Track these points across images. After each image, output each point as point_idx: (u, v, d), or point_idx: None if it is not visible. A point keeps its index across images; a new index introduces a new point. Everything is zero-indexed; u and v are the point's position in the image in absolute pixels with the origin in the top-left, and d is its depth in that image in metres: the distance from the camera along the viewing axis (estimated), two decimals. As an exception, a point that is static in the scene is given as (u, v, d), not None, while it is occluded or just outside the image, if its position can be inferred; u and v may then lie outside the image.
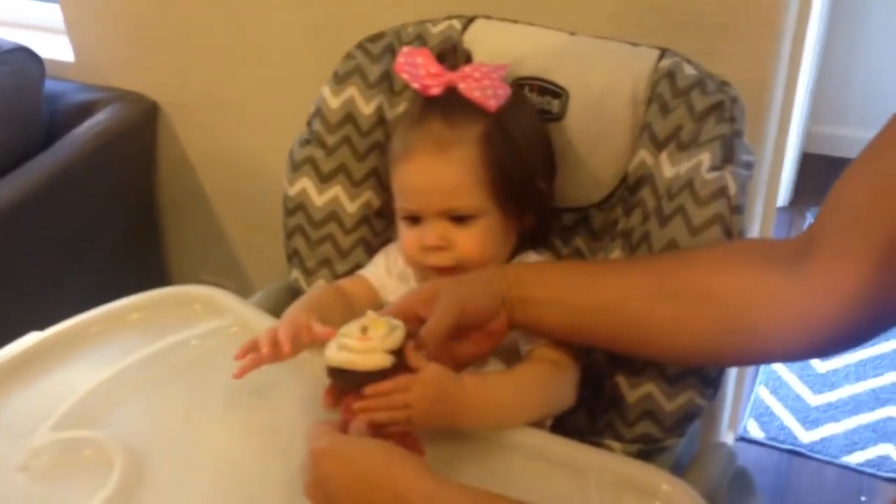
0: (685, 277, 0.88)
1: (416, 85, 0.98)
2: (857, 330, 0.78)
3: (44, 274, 1.66)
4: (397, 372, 0.83)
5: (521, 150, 0.99)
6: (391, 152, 1.02)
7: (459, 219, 0.97)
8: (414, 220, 0.99)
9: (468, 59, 1.03)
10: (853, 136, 2.84)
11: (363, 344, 0.82)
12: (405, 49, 1.01)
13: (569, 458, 0.86)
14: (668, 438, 0.97)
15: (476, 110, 0.96)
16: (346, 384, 0.84)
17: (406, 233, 1.01)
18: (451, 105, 0.97)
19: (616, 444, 0.99)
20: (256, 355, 0.87)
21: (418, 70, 0.98)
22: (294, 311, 0.94)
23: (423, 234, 0.98)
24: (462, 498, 0.73)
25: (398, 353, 0.83)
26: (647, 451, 0.98)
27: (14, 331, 1.02)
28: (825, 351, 0.83)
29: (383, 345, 0.82)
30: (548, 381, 0.93)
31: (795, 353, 0.90)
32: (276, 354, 0.86)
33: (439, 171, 0.96)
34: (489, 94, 0.96)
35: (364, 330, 0.83)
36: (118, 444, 0.85)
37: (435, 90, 0.97)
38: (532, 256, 1.04)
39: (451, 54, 1.02)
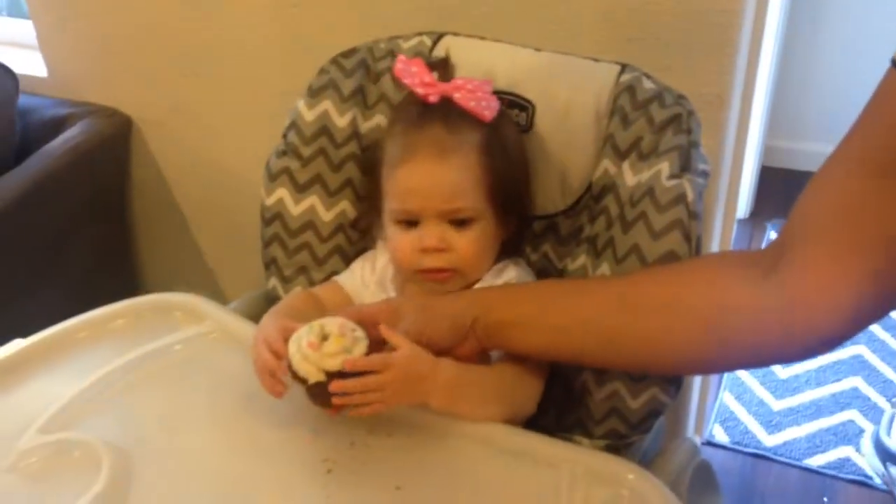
0: (659, 291, 0.89)
1: (419, 90, 1.00)
2: (830, 335, 0.79)
3: (17, 286, 1.66)
4: (320, 388, 0.85)
5: (513, 159, 1.03)
6: (386, 158, 1.03)
7: (458, 222, 1.00)
8: (410, 224, 1.01)
9: (452, 67, 1.06)
10: (811, 150, 2.91)
11: (305, 351, 0.85)
12: (402, 57, 1.05)
13: (541, 451, 0.89)
14: (634, 434, 1.00)
15: (472, 120, 0.99)
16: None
17: (400, 237, 1.02)
18: (449, 113, 1.00)
19: (584, 440, 1.02)
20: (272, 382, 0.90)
21: (414, 78, 1.01)
22: (268, 322, 0.96)
23: (422, 237, 0.99)
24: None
25: (335, 374, 0.85)
26: (614, 447, 1.01)
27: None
28: (800, 356, 0.84)
29: (321, 362, 0.85)
30: (519, 382, 0.96)
31: (769, 360, 0.90)
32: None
33: (441, 173, 0.98)
34: (483, 105, 1.00)
35: (324, 337, 0.86)
36: (106, 445, 0.87)
37: (433, 98, 1.00)
38: (510, 267, 1.07)
39: (442, 66, 1.05)
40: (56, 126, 1.75)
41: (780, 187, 2.78)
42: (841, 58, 2.72)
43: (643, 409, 0.99)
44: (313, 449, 0.90)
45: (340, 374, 0.85)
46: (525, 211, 1.08)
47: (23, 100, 1.75)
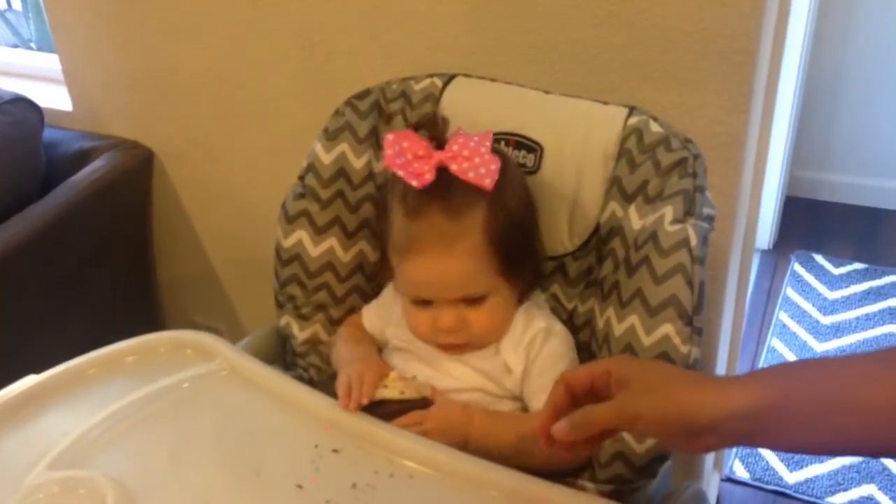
0: None
1: (413, 181, 0.97)
2: None
3: (41, 317, 1.69)
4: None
5: (519, 218, 1.03)
6: (392, 240, 1.04)
7: (472, 301, 1.01)
8: (424, 303, 1.03)
9: (444, 121, 1.05)
10: (836, 181, 2.90)
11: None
12: (389, 137, 1.01)
13: (543, 497, 0.89)
14: (639, 479, 1.00)
15: (471, 192, 0.98)
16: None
17: (416, 314, 1.04)
18: (447, 192, 0.98)
19: (590, 485, 1.01)
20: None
21: (406, 155, 0.99)
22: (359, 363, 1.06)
23: (438, 318, 1.02)
24: None
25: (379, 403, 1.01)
26: (620, 492, 1.00)
27: (12, 373, 1.05)
28: None
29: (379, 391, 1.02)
30: None
31: None
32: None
33: (450, 266, 0.99)
34: (482, 172, 0.97)
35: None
36: (111, 483, 0.88)
37: (428, 176, 0.97)
38: (537, 317, 1.07)
39: (432, 125, 1.04)
40: (80, 159, 1.77)
41: (804, 218, 2.76)
42: (865, 92, 2.71)
43: (648, 453, 0.98)
44: (316, 489, 0.90)
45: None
46: (539, 259, 1.08)
47: (48, 133, 1.78)
